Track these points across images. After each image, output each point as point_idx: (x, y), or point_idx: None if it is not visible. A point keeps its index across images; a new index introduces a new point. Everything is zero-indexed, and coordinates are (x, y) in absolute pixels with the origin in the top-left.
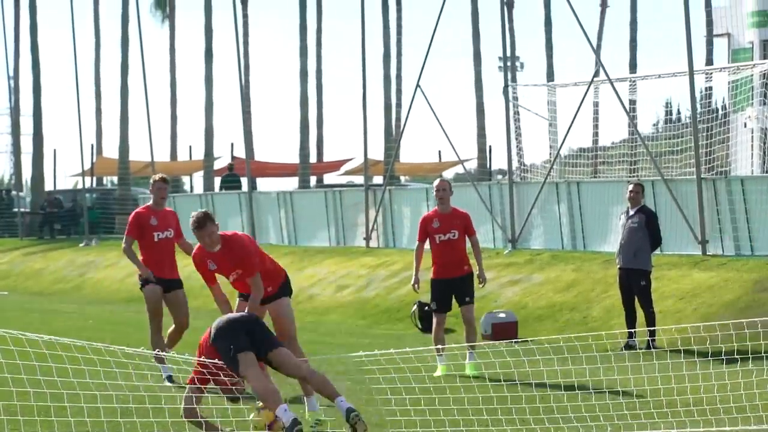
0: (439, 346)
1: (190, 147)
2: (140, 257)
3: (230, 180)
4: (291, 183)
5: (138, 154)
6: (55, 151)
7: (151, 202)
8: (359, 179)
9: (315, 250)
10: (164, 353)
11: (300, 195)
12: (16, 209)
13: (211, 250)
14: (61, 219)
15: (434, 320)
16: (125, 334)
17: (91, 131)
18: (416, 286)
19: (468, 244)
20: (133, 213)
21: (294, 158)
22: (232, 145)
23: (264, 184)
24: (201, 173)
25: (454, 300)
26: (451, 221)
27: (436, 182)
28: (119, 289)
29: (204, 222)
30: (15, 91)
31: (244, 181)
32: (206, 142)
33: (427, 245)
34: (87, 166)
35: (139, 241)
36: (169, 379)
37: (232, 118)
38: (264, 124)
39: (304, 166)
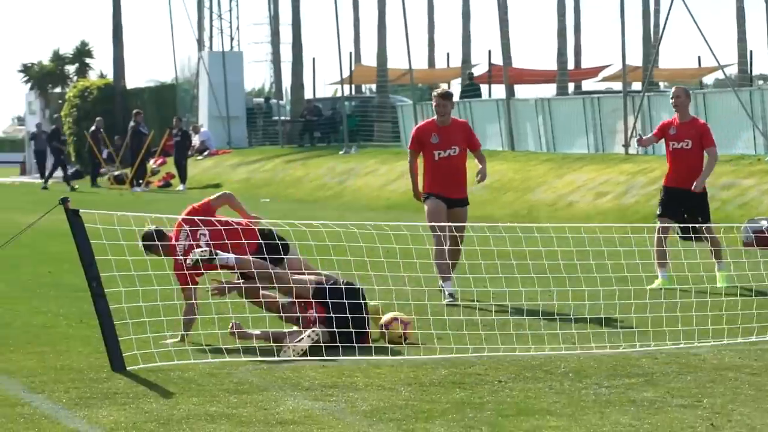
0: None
1: (448, 54)
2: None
3: (470, 90)
4: (549, 90)
5: (396, 61)
6: (314, 59)
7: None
8: (617, 85)
9: (574, 157)
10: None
11: (558, 102)
12: (276, 117)
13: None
14: (321, 127)
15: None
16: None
17: (350, 39)
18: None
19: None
20: (414, 126)
21: (552, 65)
22: (489, 52)
23: (522, 91)
24: (459, 80)
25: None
26: (688, 130)
27: (672, 90)
28: (378, 196)
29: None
30: (274, 1)
31: (484, 89)
32: (464, 49)
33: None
34: (345, 74)
35: (423, 158)
36: (451, 296)
37: (490, 24)
38: (522, 30)
39: (561, 72)
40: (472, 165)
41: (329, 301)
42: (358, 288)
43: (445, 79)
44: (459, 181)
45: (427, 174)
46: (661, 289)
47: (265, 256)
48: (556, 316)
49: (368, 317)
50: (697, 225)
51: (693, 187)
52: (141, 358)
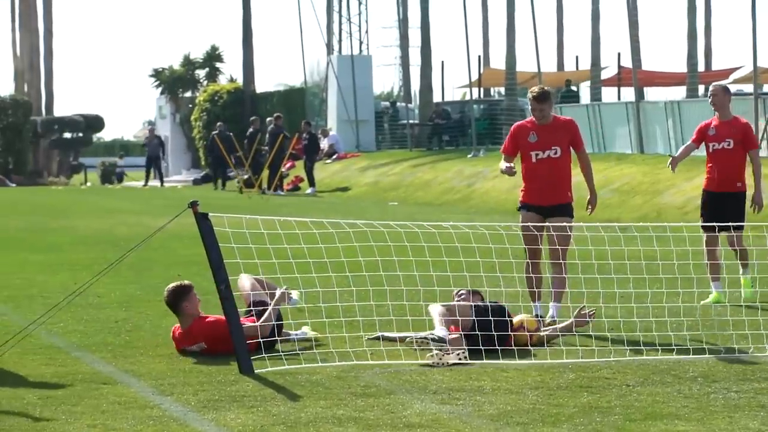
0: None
1: (577, 57)
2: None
3: (568, 95)
4: (678, 92)
5: (525, 64)
6: (442, 62)
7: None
8: (749, 87)
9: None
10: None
11: (688, 104)
12: (404, 121)
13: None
14: (449, 130)
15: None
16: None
17: (478, 42)
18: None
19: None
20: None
21: (682, 67)
22: (618, 54)
23: (651, 93)
24: (588, 83)
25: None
26: (729, 129)
27: (710, 88)
28: (507, 199)
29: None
30: (403, 4)
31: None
32: (593, 51)
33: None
34: (474, 77)
35: (521, 161)
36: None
37: (619, 26)
38: (651, 32)
39: (692, 74)
40: (576, 171)
41: (475, 318)
42: (503, 306)
43: (574, 81)
44: (560, 185)
45: (524, 179)
46: (713, 305)
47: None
48: (683, 318)
49: (512, 335)
50: (727, 231)
51: (754, 209)
52: (269, 361)
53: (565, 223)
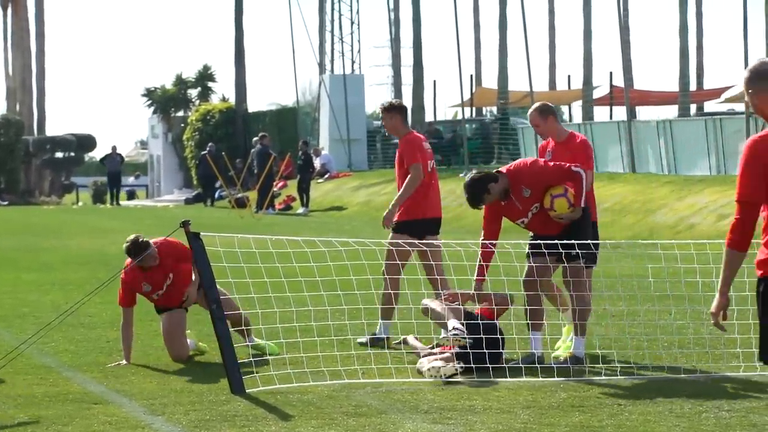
0: None
1: (569, 76)
2: None
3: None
4: (671, 111)
5: (517, 83)
6: (435, 82)
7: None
8: (740, 107)
9: (695, 179)
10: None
11: (680, 123)
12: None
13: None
14: (442, 149)
15: None
16: None
17: (470, 61)
18: None
19: None
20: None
21: (673, 86)
22: (611, 74)
23: (643, 112)
24: (580, 102)
25: None
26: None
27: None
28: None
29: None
30: (395, 23)
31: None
32: (585, 71)
33: None
34: (466, 96)
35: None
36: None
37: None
38: (643, 51)
39: (683, 94)
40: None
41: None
42: (495, 324)
43: (567, 101)
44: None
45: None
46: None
47: None
48: (674, 336)
49: (504, 352)
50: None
51: None
52: (260, 380)
53: None
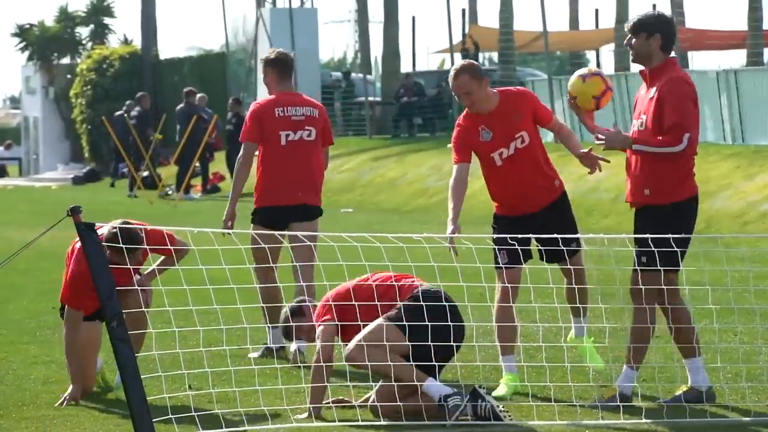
0: None
1: (596, 11)
2: None
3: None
4: (736, 58)
5: (525, 22)
6: (413, 18)
7: None
8: None
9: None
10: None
11: (748, 74)
12: (361, 98)
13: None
14: (422, 111)
15: None
16: None
17: None
18: None
19: None
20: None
21: (740, 25)
22: (654, 6)
23: (699, 59)
24: (611, 46)
25: None
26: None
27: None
28: None
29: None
30: None
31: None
32: (618, 4)
33: None
34: (457, 38)
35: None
36: None
37: None
38: None
39: (754, 35)
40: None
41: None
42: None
43: (593, 44)
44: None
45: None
46: None
47: None
48: (741, 364)
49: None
50: None
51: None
52: (177, 425)
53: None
